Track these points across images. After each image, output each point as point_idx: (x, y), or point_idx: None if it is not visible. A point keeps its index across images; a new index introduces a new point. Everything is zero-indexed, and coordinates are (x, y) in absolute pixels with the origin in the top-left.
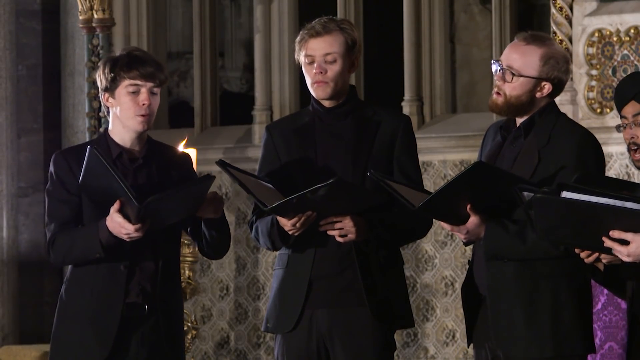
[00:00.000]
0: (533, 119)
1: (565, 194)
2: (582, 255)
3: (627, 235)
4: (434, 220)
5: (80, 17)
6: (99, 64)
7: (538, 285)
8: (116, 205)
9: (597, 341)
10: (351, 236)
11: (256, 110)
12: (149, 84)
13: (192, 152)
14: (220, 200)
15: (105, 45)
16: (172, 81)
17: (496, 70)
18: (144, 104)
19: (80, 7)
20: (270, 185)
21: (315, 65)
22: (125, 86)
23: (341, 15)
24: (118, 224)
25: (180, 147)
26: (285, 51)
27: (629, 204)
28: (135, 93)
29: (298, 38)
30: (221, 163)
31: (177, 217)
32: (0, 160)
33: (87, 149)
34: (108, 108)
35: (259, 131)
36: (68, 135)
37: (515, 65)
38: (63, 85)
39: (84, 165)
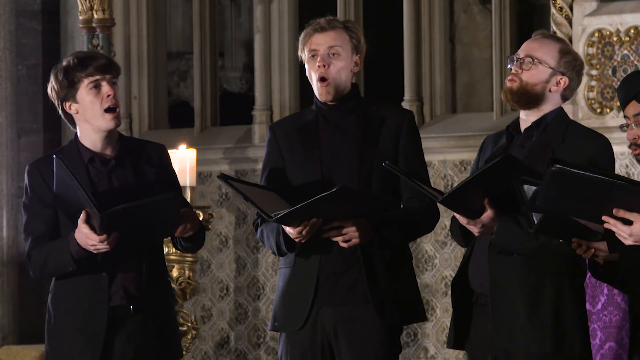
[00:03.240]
0: (545, 118)
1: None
2: (579, 251)
3: (632, 215)
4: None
5: (80, 17)
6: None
7: (543, 280)
8: (83, 216)
9: (597, 341)
10: (355, 240)
11: (256, 110)
12: (108, 76)
13: (192, 152)
14: (195, 217)
15: (105, 45)
16: (172, 81)
17: (513, 61)
18: (108, 95)
19: (80, 7)
20: (274, 193)
21: (318, 58)
22: (85, 85)
23: (341, 15)
24: (84, 235)
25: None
26: (285, 51)
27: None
28: (97, 87)
29: (302, 35)
30: (222, 177)
31: (158, 235)
32: (0, 160)
33: (54, 159)
34: (71, 117)
35: (259, 131)
36: (68, 135)
37: (535, 53)
38: None
39: (54, 178)
